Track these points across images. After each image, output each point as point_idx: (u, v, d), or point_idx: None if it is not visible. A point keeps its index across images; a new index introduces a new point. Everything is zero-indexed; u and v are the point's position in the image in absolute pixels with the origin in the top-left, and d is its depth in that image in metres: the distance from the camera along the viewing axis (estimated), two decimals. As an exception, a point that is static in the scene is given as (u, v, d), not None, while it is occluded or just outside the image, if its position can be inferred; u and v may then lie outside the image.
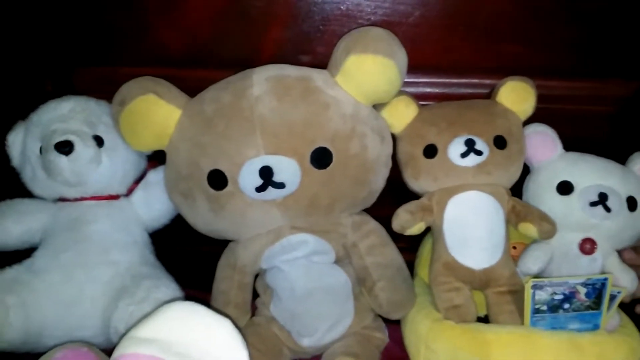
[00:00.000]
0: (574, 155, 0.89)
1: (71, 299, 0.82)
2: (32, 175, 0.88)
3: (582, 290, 0.76)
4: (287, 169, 0.76)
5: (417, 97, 0.90)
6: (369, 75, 0.79)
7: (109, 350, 0.65)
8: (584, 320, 0.78)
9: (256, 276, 0.89)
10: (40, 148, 0.86)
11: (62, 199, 0.90)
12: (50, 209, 0.89)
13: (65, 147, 0.82)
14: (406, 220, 0.85)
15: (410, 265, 0.93)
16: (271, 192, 0.76)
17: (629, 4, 0.90)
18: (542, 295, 0.76)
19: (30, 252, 0.88)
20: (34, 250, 0.88)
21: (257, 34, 0.93)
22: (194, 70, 0.92)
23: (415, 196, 0.89)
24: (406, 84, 0.86)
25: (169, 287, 0.83)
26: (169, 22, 0.93)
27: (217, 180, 0.78)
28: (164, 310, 0.63)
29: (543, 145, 0.89)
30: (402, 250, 0.88)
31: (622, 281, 0.83)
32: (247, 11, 0.91)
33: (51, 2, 0.93)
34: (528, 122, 0.90)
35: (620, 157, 0.89)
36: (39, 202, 0.91)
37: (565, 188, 0.85)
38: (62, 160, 0.83)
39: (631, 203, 0.84)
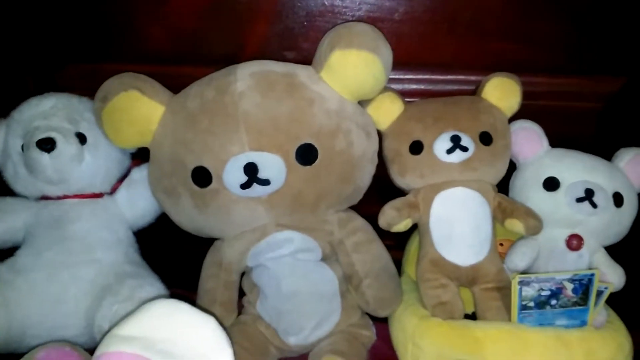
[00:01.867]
0: (560, 152, 0.89)
1: (54, 298, 0.82)
2: (14, 173, 0.87)
3: (569, 286, 0.77)
4: (272, 166, 0.75)
5: (403, 94, 0.90)
6: (353, 70, 0.78)
7: (92, 350, 0.64)
8: (571, 316, 0.78)
9: (242, 274, 0.89)
10: (22, 145, 0.85)
11: (45, 197, 0.89)
12: (33, 208, 0.88)
13: (47, 144, 0.82)
14: (392, 217, 0.85)
15: (398, 263, 0.93)
16: (256, 188, 0.76)
17: (615, 1, 0.90)
18: (529, 291, 0.76)
19: (13, 251, 0.87)
20: (16, 249, 0.88)
21: (241, 30, 0.93)
22: (179, 66, 0.92)
23: (401, 193, 0.89)
24: (391, 80, 0.86)
25: (153, 285, 0.83)
26: (153, 19, 0.93)
27: (202, 177, 0.77)
28: (147, 308, 0.63)
29: (529, 141, 0.89)
30: (389, 247, 0.88)
31: (609, 277, 0.83)
32: (231, 7, 0.91)
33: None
34: (514, 118, 0.90)
35: (607, 154, 0.89)
36: (21, 201, 0.90)
37: (551, 184, 0.85)
38: (44, 157, 0.82)
39: (617, 199, 0.84)
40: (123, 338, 0.61)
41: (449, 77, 0.97)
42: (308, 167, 0.77)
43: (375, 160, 0.85)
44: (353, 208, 0.88)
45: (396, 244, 0.96)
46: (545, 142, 0.90)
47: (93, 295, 0.82)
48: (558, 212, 0.84)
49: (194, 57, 0.95)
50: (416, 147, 0.85)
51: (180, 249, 0.99)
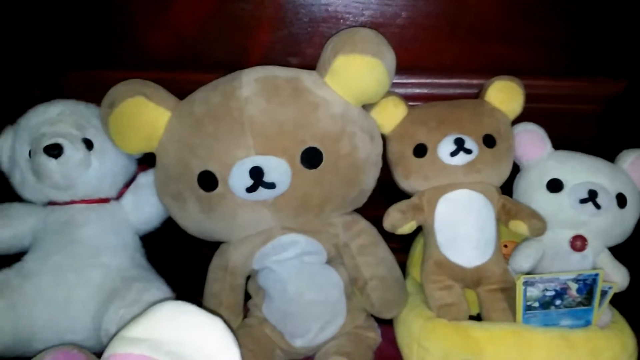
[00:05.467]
0: (563, 154, 0.90)
1: (61, 302, 0.82)
2: (22, 180, 0.88)
3: (574, 286, 0.77)
4: (278, 169, 0.76)
5: (406, 98, 0.90)
6: (357, 75, 0.79)
7: (100, 354, 0.65)
8: (576, 316, 0.79)
9: (248, 278, 0.89)
10: (30, 152, 0.86)
11: (52, 203, 0.89)
12: (40, 213, 0.89)
13: (54, 150, 0.82)
14: (397, 219, 0.85)
15: (402, 266, 0.93)
16: (262, 192, 0.76)
17: (615, 3, 0.91)
18: (534, 291, 0.77)
19: (20, 256, 0.88)
20: (24, 254, 0.88)
21: (245, 36, 0.94)
22: (183, 73, 0.93)
23: (405, 196, 0.90)
24: (395, 84, 0.87)
25: (159, 289, 0.83)
26: (157, 26, 0.94)
27: (208, 181, 0.78)
28: (154, 310, 0.63)
29: (532, 143, 0.90)
30: (394, 250, 0.88)
31: (613, 277, 0.83)
32: (235, 14, 0.92)
33: (38, 7, 0.94)
34: (517, 121, 0.90)
35: (609, 155, 0.90)
36: (28, 206, 0.90)
37: (555, 186, 0.86)
38: (51, 163, 0.82)
39: (620, 200, 0.84)
40: (131, 340, 0.61)
41: (451, 80, 0.97)
42: (313, 170, 0.78)
43: (380, 164, 0.85)
44: (358, 211, 0.89)
45: (401, 246, 0.96)
46: (548, 144, 0.90)
47: (100, 299, 0.82)
48: (562, 213, 0.84)
49: (198, 63, 0.95)
50: (420, 150, 0.86)
51: (186, 252, 0.99)
